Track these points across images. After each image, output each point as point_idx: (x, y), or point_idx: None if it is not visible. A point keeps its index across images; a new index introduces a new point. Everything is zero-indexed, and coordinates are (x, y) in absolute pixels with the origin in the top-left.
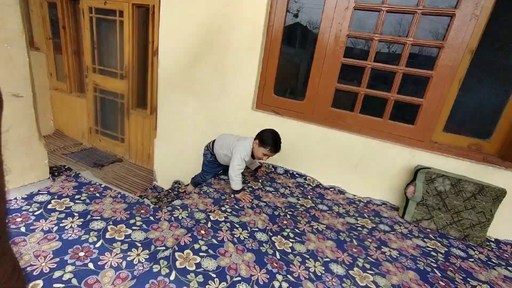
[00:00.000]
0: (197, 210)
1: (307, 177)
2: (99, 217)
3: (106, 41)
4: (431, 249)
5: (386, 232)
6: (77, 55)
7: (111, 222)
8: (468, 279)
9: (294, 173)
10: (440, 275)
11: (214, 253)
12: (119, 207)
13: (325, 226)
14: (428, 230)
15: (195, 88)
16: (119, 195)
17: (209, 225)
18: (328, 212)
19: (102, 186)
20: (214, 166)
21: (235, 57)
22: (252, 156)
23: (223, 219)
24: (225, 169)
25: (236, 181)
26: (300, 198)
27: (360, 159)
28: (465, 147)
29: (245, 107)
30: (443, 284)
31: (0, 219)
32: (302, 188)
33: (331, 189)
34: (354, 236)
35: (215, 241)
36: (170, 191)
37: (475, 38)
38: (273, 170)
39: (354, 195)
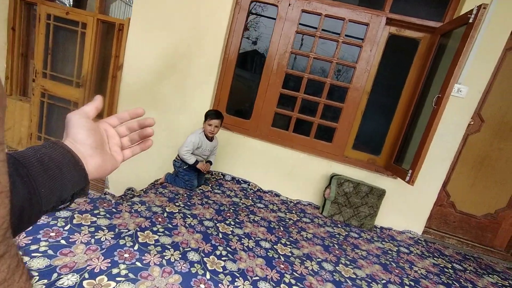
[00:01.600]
0: (154, 205)
1: (250, 183)
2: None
3: (62, 48)
4: (336, 233)
5: (307, 223)
6: (24, 57)
7: (76, 212)
8: (355, 249)
9: (240, 179)
10: (337, 247)
11: (169, 233)
12: (82, 201)
13: (260, 218)
14: (338, 221)
15: (157, 103)
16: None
17: (165, 215)
18: (264, 209)
19: None
20: (190, 173)
21: (195, 78)
22: (208, 139)
23: (177, 211)
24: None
25: (187, 158)
26: (243, 198)
27: (292, 168)
28: (365, 160)
29: (201, 122)
30: (337, 252)
31: (5, 216)
32: (245, 192)
33: (269, 193)
34: (281, 225)
35: (170, 226)
36: (122, 197)
37: (369, 84)
38: (222, 177)
39: (287, 197)
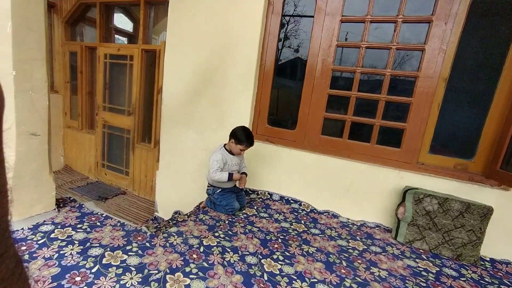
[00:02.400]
0: (191, 236)
1: (302, 203)
2: (98, 244)
3: (116, 82)
4: (422, 269)
5: (377, 254)
6: (90, 95)
7: (108, 249)
8: None
9: (289, 199)
10: None
11: (203, 275)
12: (118, 235)
13: (315, 249)
14: (421, 250)
15: (195, 122)
16: (119, 224)
17: (201, 250)
18: (320, 235)
19: (103, 215)
20: (227, 196)
21: (231, 92)
22: (232, 153)
23: (216, 243)
24: (235, 190)
25: (219, 177)
26: (293, 223)
27: (351, 183)
28: (451, 167)
29: None
30: None
31: (3, 216)
32: (296, 213)
33: (325, 214)
34: (344, 258)
35: (205, 264)
36: (169, 221)
37: (446, 69)
38: (269, 197)
39: (348, 219)
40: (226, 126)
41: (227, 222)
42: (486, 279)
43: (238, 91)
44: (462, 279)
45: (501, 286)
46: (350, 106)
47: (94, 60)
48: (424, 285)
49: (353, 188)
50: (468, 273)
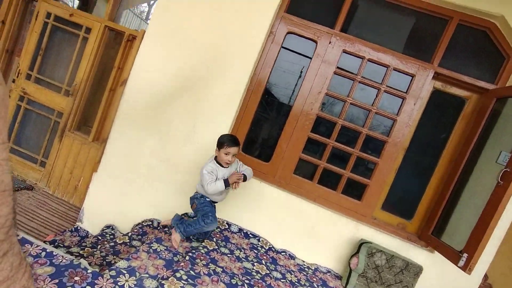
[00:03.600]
0: (147, 275)
1: (260, 238)
2: None
3: (57, 51)
4: None
5: None
6: (10, 55)
7: None
8: None
9: (248, 232)
10: None
11: None
12: (43, 272)
13: None
14: None
15: (159, 129)
16: (44, 253)
17: None
18: (282, 280)
19: (19, 237)
20: (212, 208)
21: (210, 108)
22: (221, 165)
23: None
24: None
25: (215, 188)
26: (255, 264)
27: (312, 226)
28: (395, 225)
29: (208, 157)
30: None
31: (7, 214)
32: (256, 251)
33: (282, 253)
34: None
35: None
36: (99, 237)
37: (407, 140)
38: (227, 227)
39: (303, 261)
40: (195, 143)
41: (187, 258)
42: None
43: (218, 109)
44: None
45: None
46: (325, 153)
47: (29, 15)
48: None
49: (314, 232)
50: None
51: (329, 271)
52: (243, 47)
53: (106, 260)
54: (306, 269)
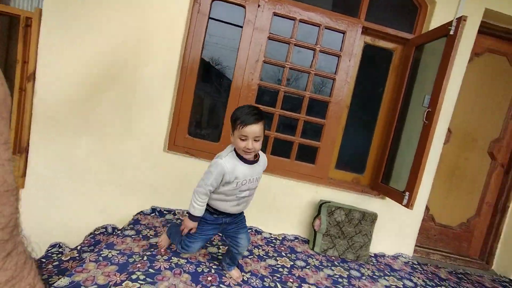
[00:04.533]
0: (95, 286)
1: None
2: None
3: None
4: (337, 275)
5: (303, 268)
6: None
7: None
8: None
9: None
10: None
11: None
12: None
13: (249, 273)
14: (333, 257)
15: (91, 127)
16: None
17: None
18: (249, 257)
19: None
20: (208, 227)
21: (144, 94)
22: (248, 161)
23: None
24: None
25: (193, 202)
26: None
27: (273, 198)
28: (350, 181)
29: (156, 149)
30: None
31: (12, 214)
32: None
33: (248, 230)
34: (277, 280)
35: None
36: (43, 260)
37: (348, 97)
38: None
39: (271, 234)
40: (136, 136)
41: (145, 258)
42: (376, 274)
43: (153, 95)
44: (363, 278)
45: (385, 278)
46: (273, 123)
47: None
48: None
49: (276, 203)
50: (366, 271)
51: (296, 238)
52: (167, 24)
53: (49, 283)
54: (274, 241)
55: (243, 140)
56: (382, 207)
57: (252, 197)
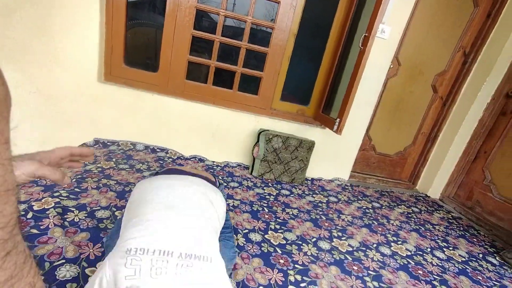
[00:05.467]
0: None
1: (169, 151)
2: None
3: None
4: (266, 194)
5: (234, 188)
6: None
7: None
8: (286, 209)
9: (155, 148)
10: (267, 211)
11: (32, 244)
12: None
13: None
14: (269, 180)
15: (7, 53)
16: None
17: (29, 216)
18: None
19: None
20: None
21: (63, 16)
22: None
23: (53, 205)
24: None
25: None
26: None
27: (216, 128)
28: (295, 112)
29: (90, 78)
30: (267, 217)
31: (11, 213)
32: (161, 161)
33: (192, 159)
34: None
35: (36, 231)
36: None
37: (295, 24)
38: (132, 147)
39: (213, 161)
40: (66, 64)
41: (74, 180)
42: (306, 192)
43: (75, 17)
44: (291, 195)
45: (313, 195)
46: (214, 51)
47: None
48: (266, 205)
49: (218, 133)
50: (296, 191)
51: (239, 165)
52: None
53: None
54: (215, 167)
55: None
56: (324, 136)
57: None
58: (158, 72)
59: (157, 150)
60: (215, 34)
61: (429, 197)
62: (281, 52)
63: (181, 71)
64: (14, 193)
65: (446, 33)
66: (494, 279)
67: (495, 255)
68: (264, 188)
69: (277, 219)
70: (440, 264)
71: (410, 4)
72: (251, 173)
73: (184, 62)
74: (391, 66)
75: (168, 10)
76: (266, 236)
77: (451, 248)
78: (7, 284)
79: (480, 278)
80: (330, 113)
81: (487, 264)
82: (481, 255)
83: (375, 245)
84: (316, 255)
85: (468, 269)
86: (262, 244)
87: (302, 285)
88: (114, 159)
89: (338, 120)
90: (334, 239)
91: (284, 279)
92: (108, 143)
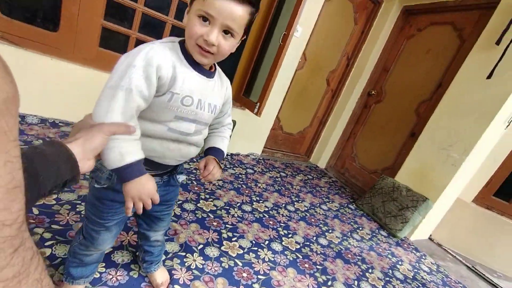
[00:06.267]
0: None
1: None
2: None
3: None
4: (193, 168)
5: None
6: None
7: None
8: (211, 182)
9: (57, 121)
10: (196, 183)
11: None
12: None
13: None
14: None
15: None
16: None
17: None
18: None
19: None
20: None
21: None
22: (198, 68)
23: None
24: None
25: (108, 113)
26: None
27: None
28: None
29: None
30: (196, 189)
31: (19, 210)
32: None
33: None
34: None
35: None
36: None
37: None
38: (20, 119)
39: None
40: None
41: None
42: (228, 166)
43: None
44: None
45: (234, 168)
46: (135, 21)
47: None
48: (194, 178)
49: None
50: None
51: None
52: None
53: None
54: None
55: (203, 21)
56: (243, 117)
57: (200, 139)
58: (59, 32)
59: (60, 124)
60: (137, 2)
61: (318, 167)
62: None
63: (93, 36)
64: (22, 191)
65: (338, 39)
66: (352, 218)
67: (353, 203)
68: (190, 163)
69: (206, 190)
70: (324, 214)
71: (317, 11)
72: None
73: (97, 27)
74: (300, 60)
75: None
76: (198, 205)
77: (330, 202)
78: (15, 280)
79: (345, 218)
80: (249, 96)
81: (348, 210)
82: (345, 204)
83: (283, 205)
84: (241, 216)
85: (339, 214)
86: (196, 212)
87: (233, 239)
88: None
89: (258, 104)
90: (254, 203)
91: (219, 237)
92: None
